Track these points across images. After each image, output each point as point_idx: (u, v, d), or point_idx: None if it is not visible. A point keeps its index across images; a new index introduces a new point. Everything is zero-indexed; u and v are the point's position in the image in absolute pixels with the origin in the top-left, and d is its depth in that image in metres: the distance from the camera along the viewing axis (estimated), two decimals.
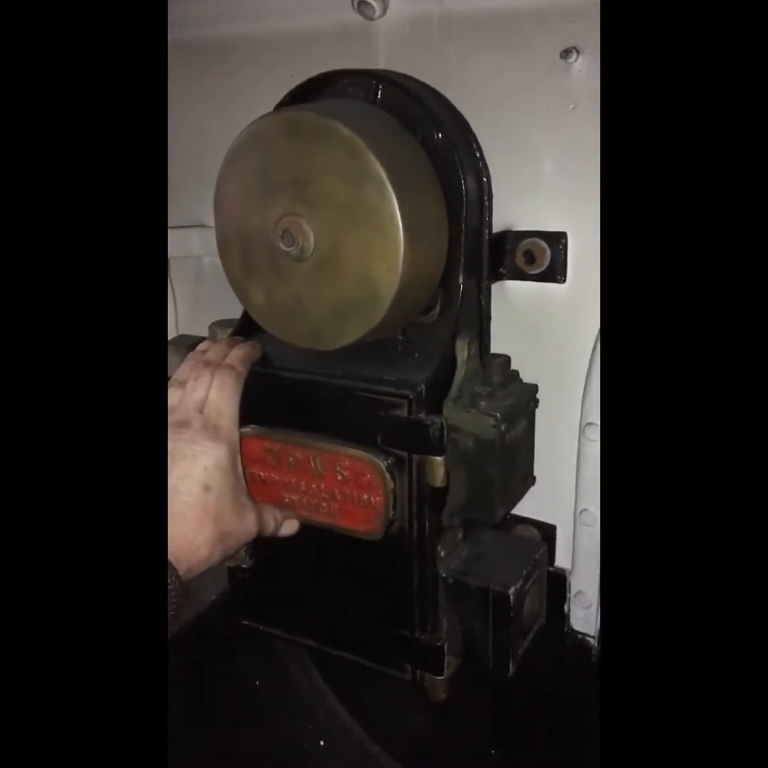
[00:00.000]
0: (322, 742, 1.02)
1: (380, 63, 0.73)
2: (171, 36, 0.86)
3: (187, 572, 0.60)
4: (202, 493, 0.62)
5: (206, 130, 0.88)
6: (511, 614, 0.65)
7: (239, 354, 0.69)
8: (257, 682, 1.04)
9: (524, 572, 0.67)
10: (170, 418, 0.65)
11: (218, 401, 0.65)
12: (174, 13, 0.85)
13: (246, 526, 0.66)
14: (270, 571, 0.76)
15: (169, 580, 0.56)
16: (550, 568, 0.77)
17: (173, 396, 0.67)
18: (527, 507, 0.76)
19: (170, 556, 0.58)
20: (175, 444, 0.63)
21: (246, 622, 0.80)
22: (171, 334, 0.93)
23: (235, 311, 0.75)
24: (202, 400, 0.66)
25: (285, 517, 0.70)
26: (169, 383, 0.69)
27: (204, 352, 0.71)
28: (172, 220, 0.96)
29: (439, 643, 0.68)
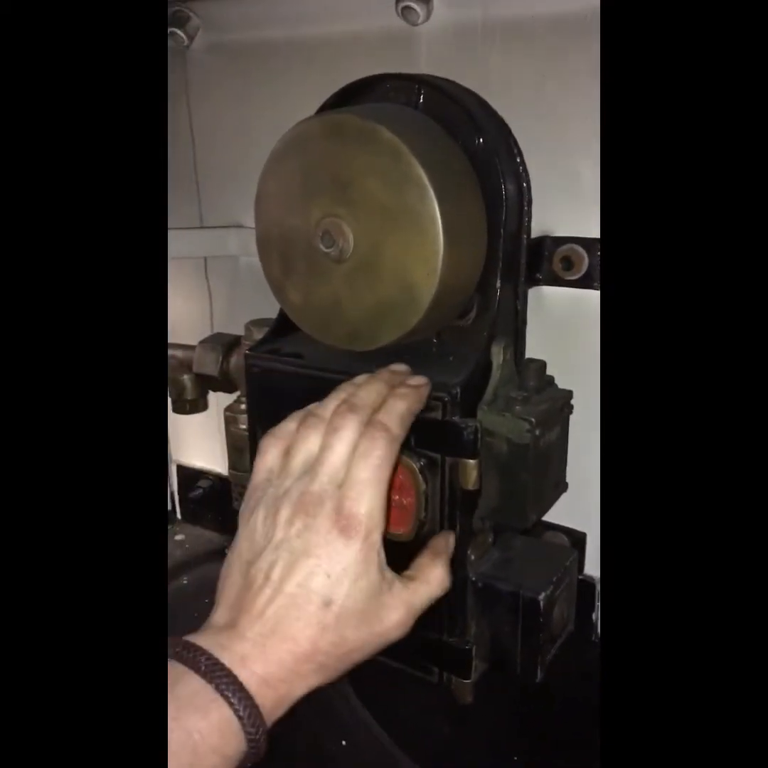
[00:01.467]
0: (343, 742, 1.03)
1: (422, 68, 0.74)
2: (213, 39, 0.88)
3: (275, 707, 0.47)
4: (320, 611, 0.49)
5: (246, 133, 0.89)
6: (541, 620, 0.65)
7: (400, 409, 0.55)
8: None
9: (555, 579, 0.67)
10: (301, 486, 0.52)
11: (362, 479, 0.51)
12: (217, 15, 0.87)
13: (383, 629, 0.52)
14: None
15: (251, 731, 0.45)
16: (579, 576, 0.77)
17: (308, 440, 0.54)
18: (557, 513, 0.76)
19: (258, 698, 0.46)
20: (304, 533, 0.50)
21: None
22: (207, 331, 0.94)
23: (270, 311, 0.76)
24: (340, 466, 0.52)
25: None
26: (302, 421, 0.55)
27: (355, 388, 0.57)
28: (210, 220, 0.98)
29: (467, 647, 0.68)
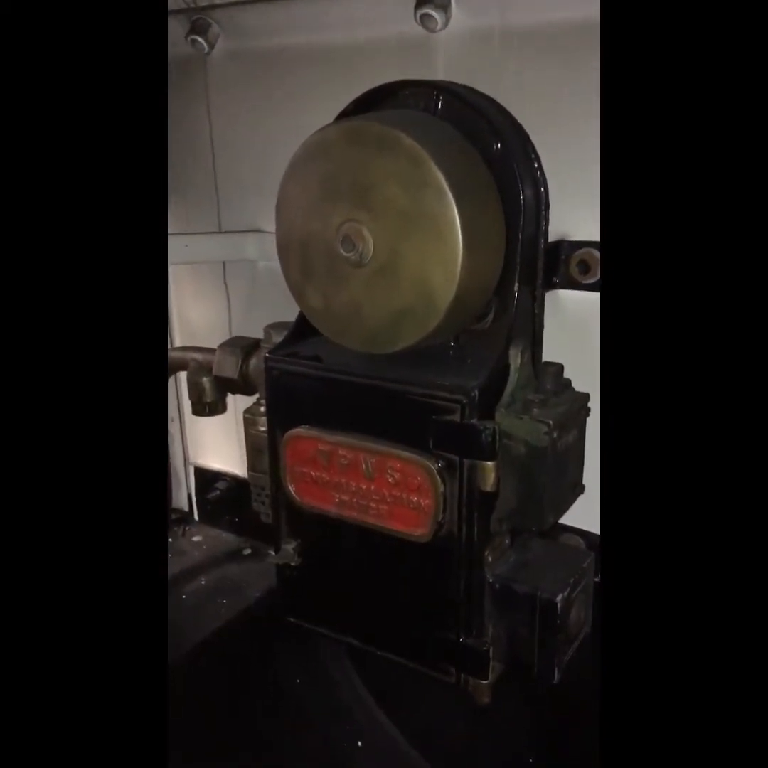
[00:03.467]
0: (359, 743, 1.03)
1: (440, 74, 0.74)
2: (233, 45, 0.90)
3: None
4: None
5: (264, 138, 0.90)
6: (558, 622, 0.66)
7: None
8: (298, 681, 1.05)
9: (572, 580, 0.67)
10: None
11: None
12: (236, 22, 0.88)
13: None
14: (318, 571, 0.77)
15: None
16: (596, 578, 0.77)
17: None
18: (573, 516, 0.76)
19: None
20: None
21: (292, 619, 0.82)
22: (225, 335, 0.95)
23: (288, 314, 0.77)
24: None
25: None
26: None
27: None
28: (228, 225, 0.99)
29: (484, 648, 0.69)
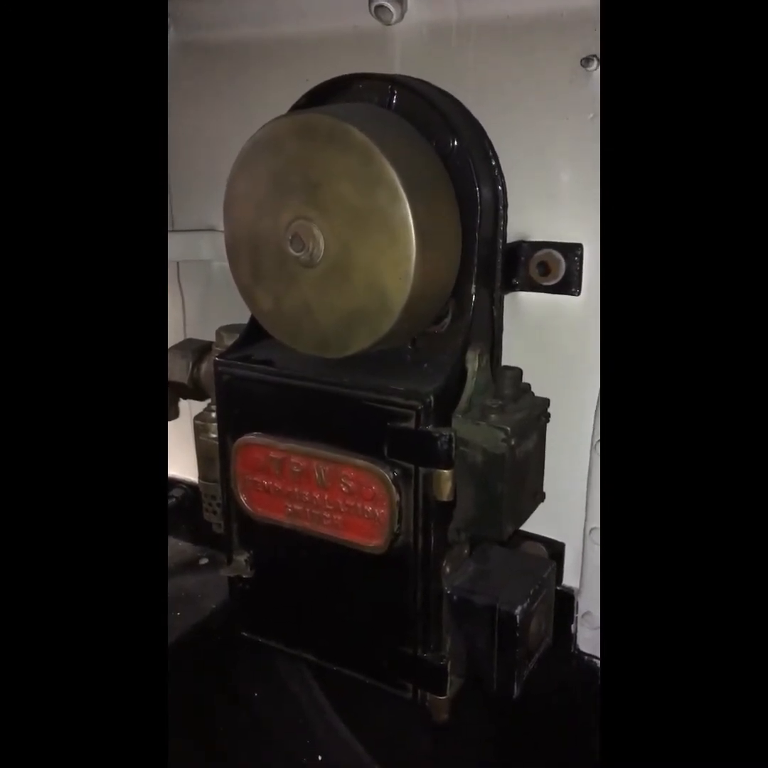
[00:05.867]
0: (319, 757, 1.01)
1: (396, 68, 0.72)
2: (184, 37, 0.86)
3: None
4: None
5: (218, 133, 0.87)
6: (518, 635, 0.64)
7: None
8: (255, 694, 1.02)
9: (531, 591, 0.65)
10: None
11: None
12: (188, 13, 0.85)
13: None
14: (271, 583, 0.74)
15: None
16: (558, 587, 0.75)
17: None
18: (535, 523, 0.75)
19: None
20: None
21: (245, 634, 0.79)
22: (179, 337, 0.92)
23: (244, 316, 0.74)
24: None
25: None
26: None
27: None
28: (182, 223, 0.95)
29: (441, 663, 0.67)
